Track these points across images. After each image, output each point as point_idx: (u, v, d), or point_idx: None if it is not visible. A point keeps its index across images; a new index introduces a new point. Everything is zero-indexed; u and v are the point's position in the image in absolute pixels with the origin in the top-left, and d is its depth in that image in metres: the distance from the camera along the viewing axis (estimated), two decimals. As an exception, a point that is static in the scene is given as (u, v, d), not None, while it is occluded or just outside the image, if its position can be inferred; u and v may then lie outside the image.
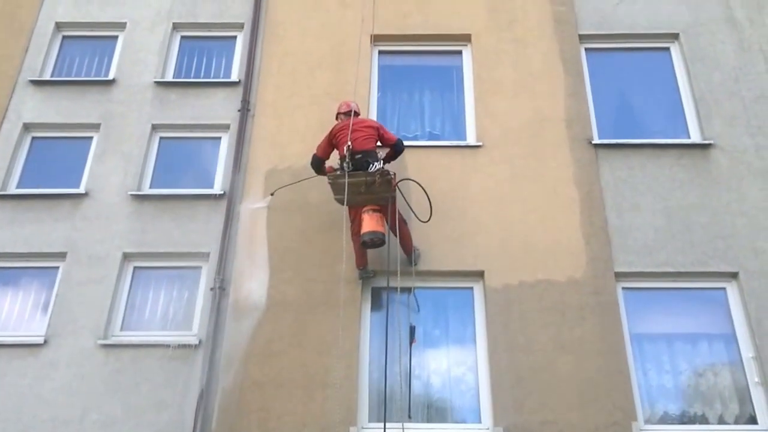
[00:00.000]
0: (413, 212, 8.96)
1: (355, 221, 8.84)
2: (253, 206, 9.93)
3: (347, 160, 8.56)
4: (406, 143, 9.53)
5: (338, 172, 8.72)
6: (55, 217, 10.23)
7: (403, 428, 7.85)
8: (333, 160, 9.12)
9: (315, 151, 9.24)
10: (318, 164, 9.24)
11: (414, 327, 8.65)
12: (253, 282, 9.47)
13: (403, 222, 9.04)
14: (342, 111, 9.39)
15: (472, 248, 9.54)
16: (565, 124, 10.47)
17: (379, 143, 9.07)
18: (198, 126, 11.18)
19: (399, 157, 9.37)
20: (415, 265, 9.19)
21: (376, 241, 8.63)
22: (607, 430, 8.33)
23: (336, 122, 9.33)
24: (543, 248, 9.48)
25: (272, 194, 9.65)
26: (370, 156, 8.69)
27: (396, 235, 8.80)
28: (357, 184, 8.50)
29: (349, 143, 8.64)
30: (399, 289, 8.51)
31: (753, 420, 8.55)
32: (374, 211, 8.69)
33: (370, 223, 8.60)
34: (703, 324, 9.29)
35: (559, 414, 8.43)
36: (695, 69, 10.96)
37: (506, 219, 9.74)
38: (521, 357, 8.77)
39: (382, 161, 8.78)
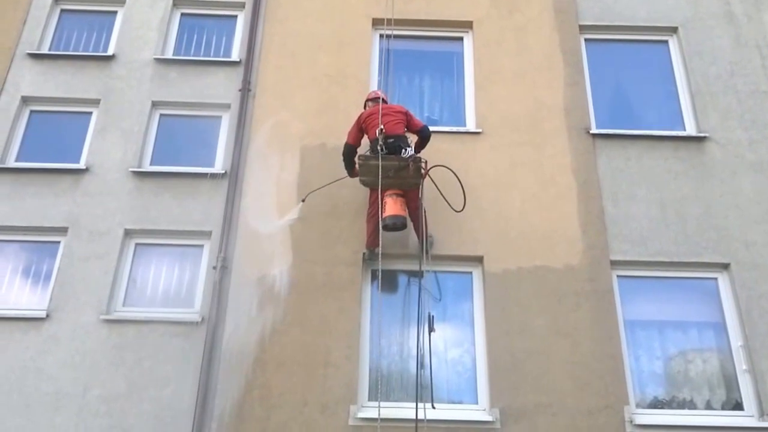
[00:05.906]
0: (447, 201, 8.97)
1: (375, 204, 8.90)
2: (285, 219, 9.77)
3: (380, 143, 8.65)
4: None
5: (369, 154, 8.81)
6: (55, 192, 10.21)
7: (424, 410, 7.84)
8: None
9: (346, 139, 9.27)
10: (350, 152, 9.24)
11: (433, 316, 8.46)
12: (255, 262, 9.53)
13: (423, 209, 9.07)
14: (370, 98, 9.48)
15: (472, 233, 9.65)
16: (564, 114, 10.58)
17: (406, 129, 9.16)
18: (198, 104, 11.17)
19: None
20: (428, 252, 9.19)
21: (398, 224, 8.78)
22: (600, 414, 8.53)
23: (364, 110, 9.42)
24: (541, 235, 9.62)
25: (303, 200, 9.61)
26: (401, 141, 8.82)
27: (418, 221, 8.93)
28: (387, 168, 8.58)
29: (381, 127, 8.74)
30: (423, 273, 8.65)
31: (739, 406, 8.81)
32: (397, 195, 8.82)
33: (393, 207, 8.76)
34: (695, 312, 9.49)
35: (553, 397, 8.62)
36: (692, 63, 11.10)
37: (505, 205, 9.86)
38: (518, 341, 8.94)
39: (412, 148, 8.88)
